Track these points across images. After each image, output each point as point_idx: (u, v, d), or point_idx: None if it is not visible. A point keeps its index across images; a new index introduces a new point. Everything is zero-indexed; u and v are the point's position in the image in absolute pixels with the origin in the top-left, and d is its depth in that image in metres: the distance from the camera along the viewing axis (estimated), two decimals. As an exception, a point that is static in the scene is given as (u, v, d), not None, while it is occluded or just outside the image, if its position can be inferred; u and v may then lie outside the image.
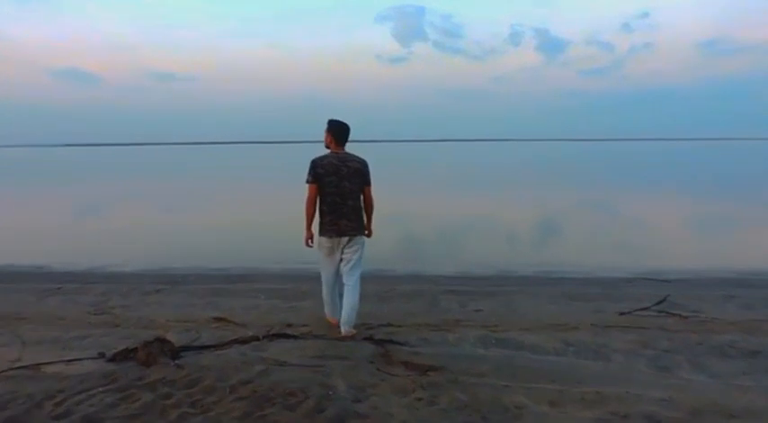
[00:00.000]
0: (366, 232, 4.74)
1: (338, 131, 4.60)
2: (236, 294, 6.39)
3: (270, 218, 15.09)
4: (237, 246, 10.80)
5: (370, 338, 4.38)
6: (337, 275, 4.76)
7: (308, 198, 4.53)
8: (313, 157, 4.57)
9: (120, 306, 5.94)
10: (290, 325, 4.96)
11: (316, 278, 7.52)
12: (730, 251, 10.01)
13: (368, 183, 4.65)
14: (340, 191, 4.50)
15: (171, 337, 4.54)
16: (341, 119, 4.70)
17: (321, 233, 4.60)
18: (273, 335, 4.54)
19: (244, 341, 4.41)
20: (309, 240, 4.63)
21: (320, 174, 4.49)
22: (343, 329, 4.58)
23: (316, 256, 4.78)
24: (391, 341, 4.33)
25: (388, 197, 19.93)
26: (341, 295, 4.77)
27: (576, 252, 10.00)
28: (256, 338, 4.47)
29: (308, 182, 4.53)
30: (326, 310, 4.93)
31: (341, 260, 4.66)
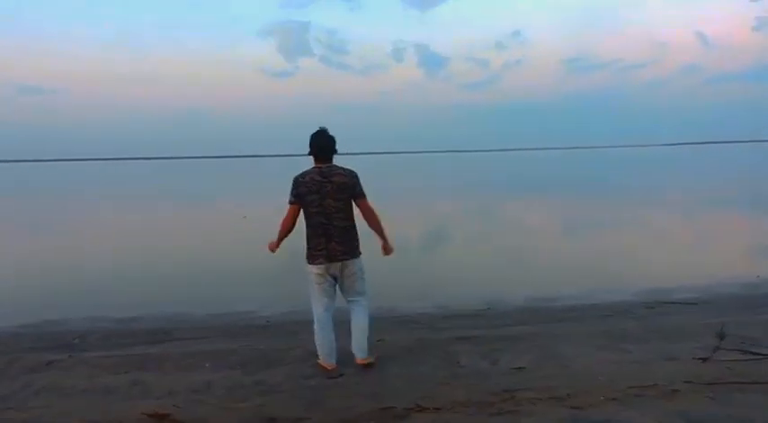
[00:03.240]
0: (384, 251, 4.23)
1: (318, 143, 4.05)
2: (169, 363, 4.51)
3: (181, 245, 12.85)
4: (146, 284, 8.65)
5: (421, 444, 2.83)
6: (332, 310, 4.20)
7: (286, 218, 4.11)
8: (296, 174, 4.07)
9: (-11, 398, 3.91)
10: (272, 420, 3.29)
11: (273, 328, 5.94)
12: (708, 261, 9.45)
13: (360, 195, 4.08)
14: (324, 210, 3.98)
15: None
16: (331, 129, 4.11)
17: (309, 260, 4.07)
18: (261, 448, 2.86)
19: (217, 469, 2.70)
20: (275, 248, 4.22)
21: (302, 193, 4.00)
22: (358, 358, 4.16)
23: (306, 289, 4.22)
24: (456, 446, 2.82)
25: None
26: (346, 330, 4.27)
27: (556, 272, 8.92)
28: (237, 460, 2.77)
29: (290, 202, 4.08)
30: (320, 352, 4.21)
31: (341, 290, 4.17)
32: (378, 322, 5.57)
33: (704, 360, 4.11)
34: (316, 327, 4.18)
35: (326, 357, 4.19)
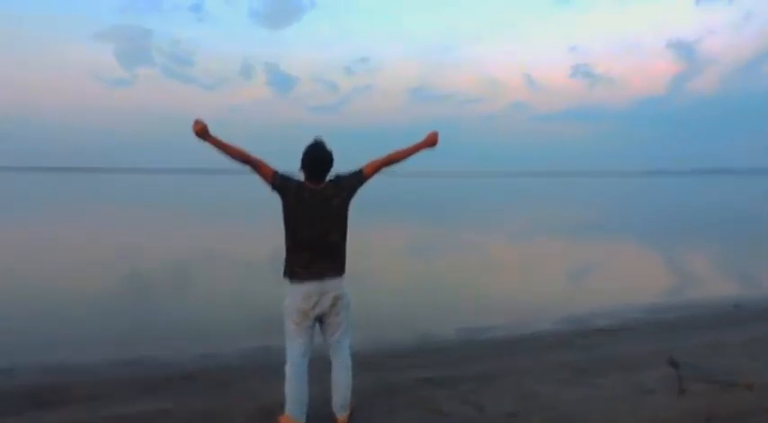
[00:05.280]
0: (430, 139, 3.65)
1: (312, 161, 3.42)
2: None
3: (46, 272, 10.93)
4: (14, 324, 7.05)
5: None
6: (308, 355, 3.53)
7: (252, 157, 3.35)
8: (294, 178, 3.43)
9: None
10: None
11: (198, 379, 5.00)
12: (602, 287, 9.98)
13: (362, 175, 3.53)
14: (317, 232, 3.41)
15: None
16: (320, 141, 3.47)
17: (291, 276, 3.41)
18: None
19: None
20: (202, 130, 3.21)
21: (291, 204, 3.40)
22: (340, 416, 3.58)
23: (281, 322, 3.49)
24: None
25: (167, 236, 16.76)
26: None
27: (464, 301, 8.84)
28: None
29: (273, 168, 3.39)
30: (289, 407, 3.48)
31: (321, 328, 3.54)
32: (318, 362, 5.01)
33: (682, 392, 4.11)
34: (288, 373, 3.50)
35: (297, 414, 3.51)
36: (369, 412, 3.82)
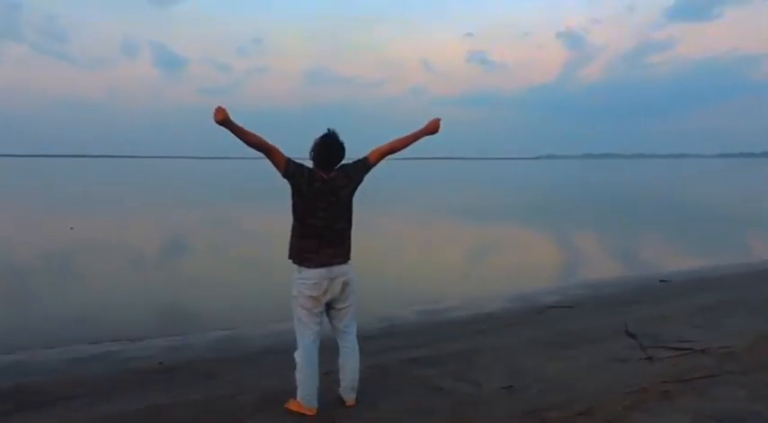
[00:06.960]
0: (433, 125, 3.73)
1: (322, 154, 3.45)
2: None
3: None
4: None
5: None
6: (319, 338, 3.56)
7: (270, 143, 3.38)
8: (304, 166, 3.44)
9: None
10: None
11: (177, 371, 4.78)
12: (534, 267, 10.56)
13: (366, 163, 3.59)
14: (325, 222, 3.47)
15: None
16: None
17: (300, 262, 3.45)
18: None
19: None
20: (223, 115, 3.16)
21: (300, 193, 3.42)
22: (348, 399, 3.65)
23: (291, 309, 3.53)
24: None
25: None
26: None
27: (415, 283, 9.09)
28: None
29: (287, 156, 3.40)
30: (302, 393, 3.52)
31: (329, 314, 3.61)
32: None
33: (650, 359, 4.52)
34: (300, 360, 3.53)
35: (309, 399, 3.54)
36: (372, 393, 3.87)
